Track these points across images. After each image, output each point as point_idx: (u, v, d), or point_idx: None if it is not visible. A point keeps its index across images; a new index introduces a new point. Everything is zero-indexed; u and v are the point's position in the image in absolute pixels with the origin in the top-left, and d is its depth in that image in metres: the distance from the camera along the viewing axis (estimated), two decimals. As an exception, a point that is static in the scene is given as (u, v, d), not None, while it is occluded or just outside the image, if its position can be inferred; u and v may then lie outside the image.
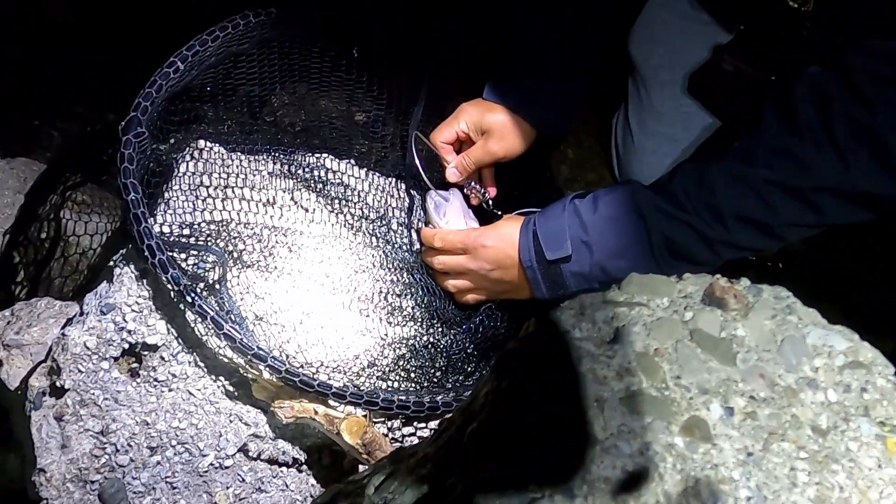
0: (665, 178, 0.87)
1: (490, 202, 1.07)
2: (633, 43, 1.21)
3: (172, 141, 1.01)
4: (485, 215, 1.07)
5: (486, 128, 1.01)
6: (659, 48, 1.17)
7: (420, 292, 1.05)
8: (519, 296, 0.98)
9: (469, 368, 1.00)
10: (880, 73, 0.74)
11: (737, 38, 1.07)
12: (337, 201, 1.01)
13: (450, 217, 1.02)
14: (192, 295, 0.76)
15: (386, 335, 0.96)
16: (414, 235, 1.10)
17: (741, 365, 0.48)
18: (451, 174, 1.02)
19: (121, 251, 0.84)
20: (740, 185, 0.80)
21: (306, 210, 0.97)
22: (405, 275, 1.04)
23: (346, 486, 0.62)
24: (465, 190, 1.06)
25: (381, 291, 1.00)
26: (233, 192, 0.91)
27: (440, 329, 1.02)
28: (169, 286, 0.75)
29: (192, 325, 0.80)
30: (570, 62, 1.04)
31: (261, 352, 0.76)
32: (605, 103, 1.30)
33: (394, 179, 1.13)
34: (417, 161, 1.04)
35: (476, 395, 0.53)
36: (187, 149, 0.92)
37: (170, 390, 0.78)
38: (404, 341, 0.98)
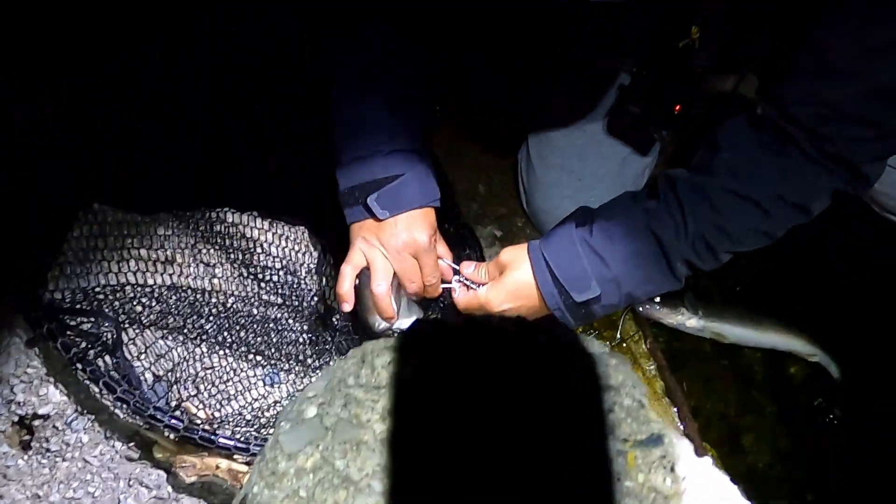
0: (663, 196, 0.88)
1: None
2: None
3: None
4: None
5: (402, 245, 0.91)
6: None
7: (333, 339, 1.05)
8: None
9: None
10: (826, 116, 0.80)
11: (634, 79, 1.13)
12: (240, 254, 1.01)
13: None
14: (84, 362, 0.75)
15: (295, 386, 0.96)
16: (324, 282, 1.11)
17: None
18: (434, 291, 0.94)
19: (8, 321, 0.83)
20: (742, 202, 0.86)
21: (207, 265, 0.98)
22: (316, 323, 1.05)
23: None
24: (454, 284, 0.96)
25: (289, 342, 1.00)
26: (129, 253, 0.91)
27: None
28: (58, 354, 0.75)
29: (87, 391, 0.79)
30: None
31: (157, 412, 0.76)
32: (513, 138, 1.34)
33: (302, 228, 1.14)
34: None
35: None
36: (80, 213, 0.92)
37: (64, 460, 0.77)
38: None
